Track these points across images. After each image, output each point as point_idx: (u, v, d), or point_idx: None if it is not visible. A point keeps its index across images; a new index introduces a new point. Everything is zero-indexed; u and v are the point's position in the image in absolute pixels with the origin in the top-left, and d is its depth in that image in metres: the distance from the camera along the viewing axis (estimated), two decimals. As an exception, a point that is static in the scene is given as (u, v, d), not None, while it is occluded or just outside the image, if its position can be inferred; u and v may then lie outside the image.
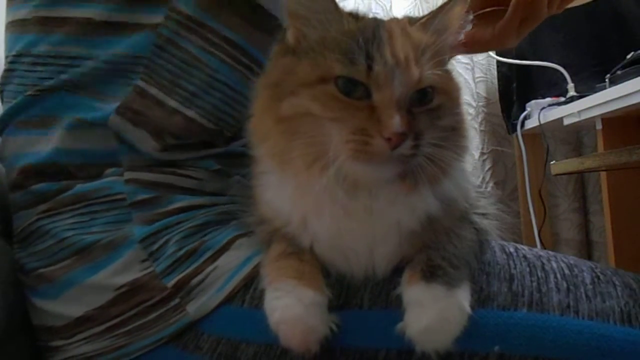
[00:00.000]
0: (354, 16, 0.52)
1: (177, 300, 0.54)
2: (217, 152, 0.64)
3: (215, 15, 0.62)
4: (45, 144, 0.60)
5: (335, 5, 0.50)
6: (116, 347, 0.54)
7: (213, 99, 0.62)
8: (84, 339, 0.55)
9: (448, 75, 0.52)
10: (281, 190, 0.53)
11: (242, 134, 0.67)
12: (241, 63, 0.64)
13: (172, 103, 0.60)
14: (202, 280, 0.55)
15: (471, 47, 0.69)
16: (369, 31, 0.48)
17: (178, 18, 0.60)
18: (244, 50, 0.64)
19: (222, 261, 0.56)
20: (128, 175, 0.58)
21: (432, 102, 0.49)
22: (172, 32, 0.60)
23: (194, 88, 0.61)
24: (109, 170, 0.59)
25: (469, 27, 0.54)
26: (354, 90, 0.47)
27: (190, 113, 0.60)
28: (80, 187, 0.58)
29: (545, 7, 0.66)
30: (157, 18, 0.60)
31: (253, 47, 0.65)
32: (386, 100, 0.46)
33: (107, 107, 0.59)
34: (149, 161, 0.60)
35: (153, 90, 0.59)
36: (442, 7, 0.52)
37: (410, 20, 0.53)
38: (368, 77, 0.46)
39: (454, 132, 0.51)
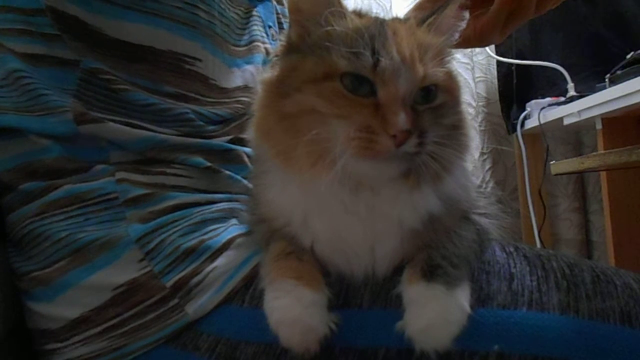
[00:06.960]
0: (357, 13, 0.52)
1: (176, 301, 0.54)
2: (204, 147, 0.64)
3: (96, 58, 0.60)
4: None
5: (339, 2, 0.50)
6: (114, 348, 0.54)
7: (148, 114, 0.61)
8: (81, 341, 0.55)
9: (450, 74, 0.52)
10: (283, 189, 0.53)
11: (228, 130, 0.67)
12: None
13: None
14: (201, 281, 0.55)
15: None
16: (374, 28, 0.48)
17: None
18: (126, 80, 0.61)
19: (221, 261, 0.56)
20: (119, 175, 0.58)
21: (436, 100, 0.49)
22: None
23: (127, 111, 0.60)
24: (99, 167, 0.59)
25: (465, 24, 0.54)
26: (359, 87, 0.46)
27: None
28: (71, 188, 0.58)
29: (533, 2, 0.64)
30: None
31: (136, 78, 0.62)
32: (391, 97, 0.46)
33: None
34: (136, 155, 0.60)
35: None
36: (440, 7, 0.52)
37: (412, 19, 0.53)
38: (374, 73, 0.46)
39: (457, 131, 0.51)
